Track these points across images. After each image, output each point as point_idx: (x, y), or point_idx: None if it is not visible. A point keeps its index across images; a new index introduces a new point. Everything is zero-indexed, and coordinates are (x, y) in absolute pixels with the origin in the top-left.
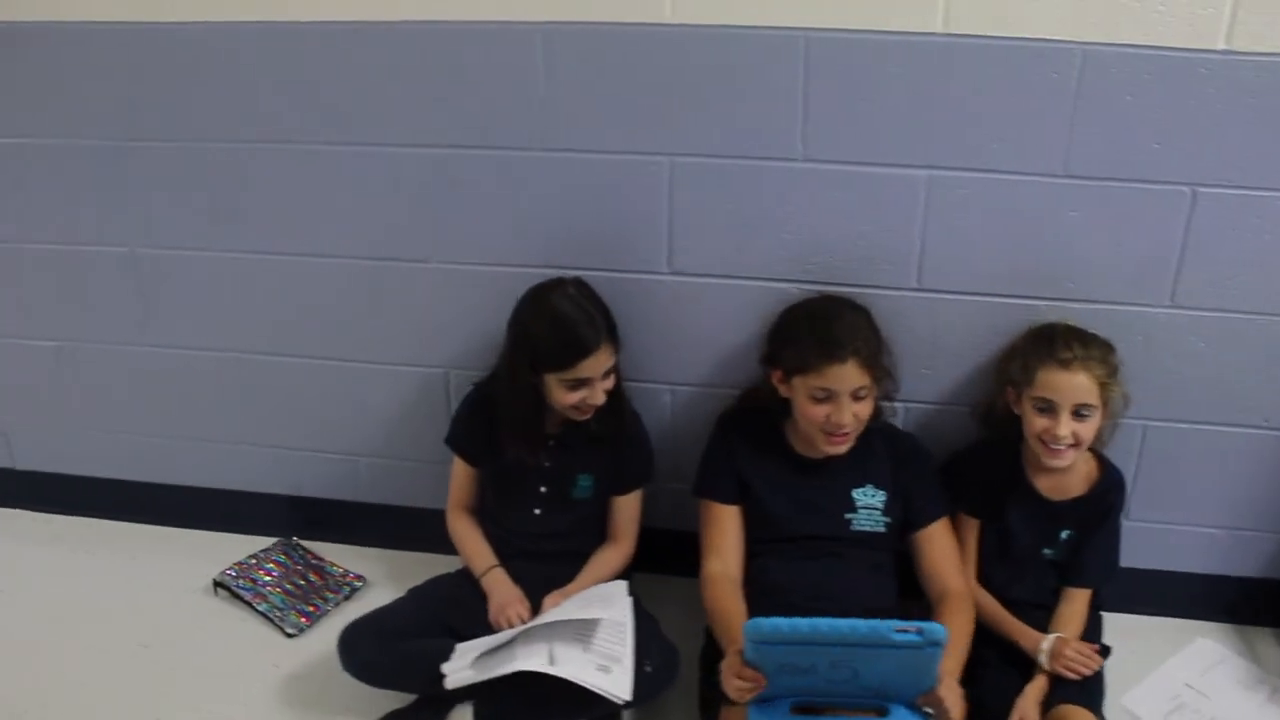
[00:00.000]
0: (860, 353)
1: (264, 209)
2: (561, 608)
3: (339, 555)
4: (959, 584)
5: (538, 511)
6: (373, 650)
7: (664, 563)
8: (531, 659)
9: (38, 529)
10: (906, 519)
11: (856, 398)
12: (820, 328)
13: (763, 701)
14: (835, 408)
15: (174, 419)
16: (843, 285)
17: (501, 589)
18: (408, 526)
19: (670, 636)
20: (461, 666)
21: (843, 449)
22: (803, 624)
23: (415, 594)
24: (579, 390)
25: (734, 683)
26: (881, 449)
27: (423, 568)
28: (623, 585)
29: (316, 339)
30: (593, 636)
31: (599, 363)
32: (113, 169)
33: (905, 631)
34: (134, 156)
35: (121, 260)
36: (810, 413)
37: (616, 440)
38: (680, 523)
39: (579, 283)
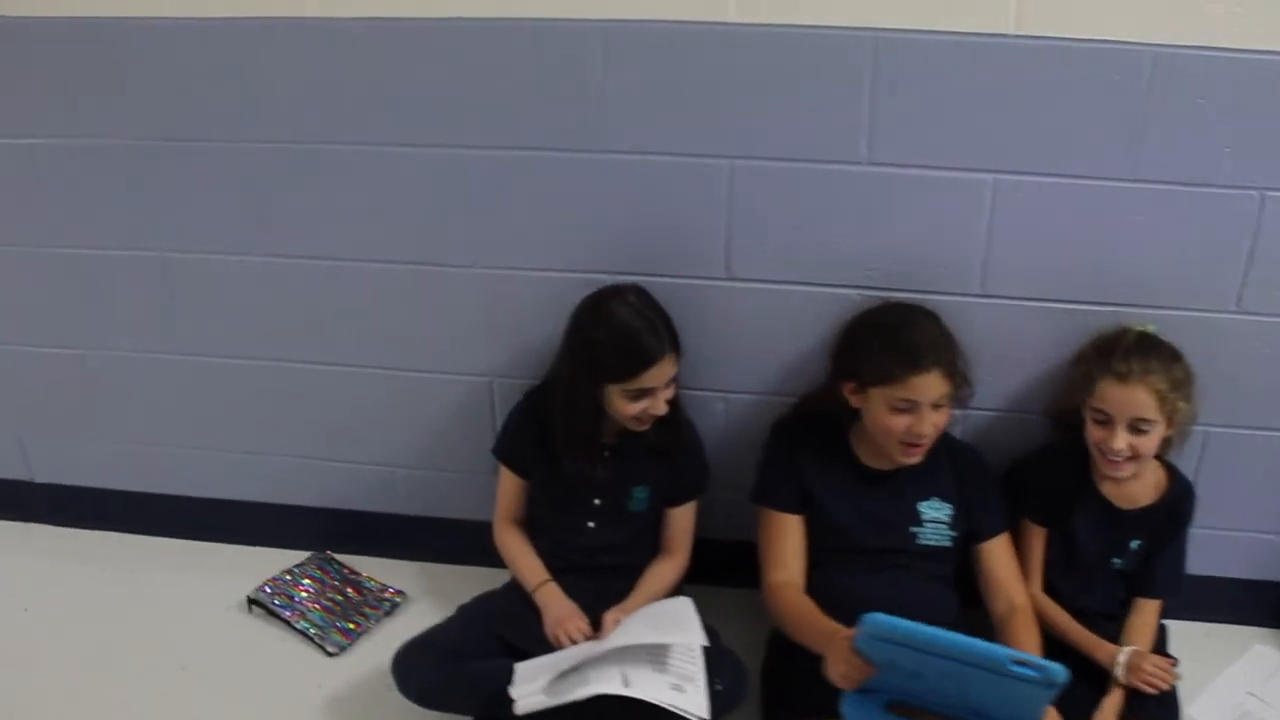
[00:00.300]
0: (942, 362)
1: (301, 212)
2: (633, 630)
3: (375, 569)
4: (1023, 598)
5: (591, 524)
6: (430, 673)
7: (716, 573)
8: (606, 682)
9: (59, 544)
10: (969, 531)
11: (935, 407)
12: (901, 337)
13: (860, 692)
14: (916, 418)
15: (202, 429)
16: (903, 291)
17: (556, 604)
18: (447, 539)
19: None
20: (532, 691)
21: (918, 460)
22: (923, 630)
23: (466, 612)
24: (641, 400)
25: (841, 668)
26: (945, 460)
27: (462, 581)
28: (689, 604)
29: (353, 346)
30: (665, 656)
31: (662, 372)
32: (142, 171)
33: (1024, 665)
34: (165, 158)
35: (150, 265)
36: (890, 423)
37: (672, 450)
38: (732, 533)
39: (638, 290)
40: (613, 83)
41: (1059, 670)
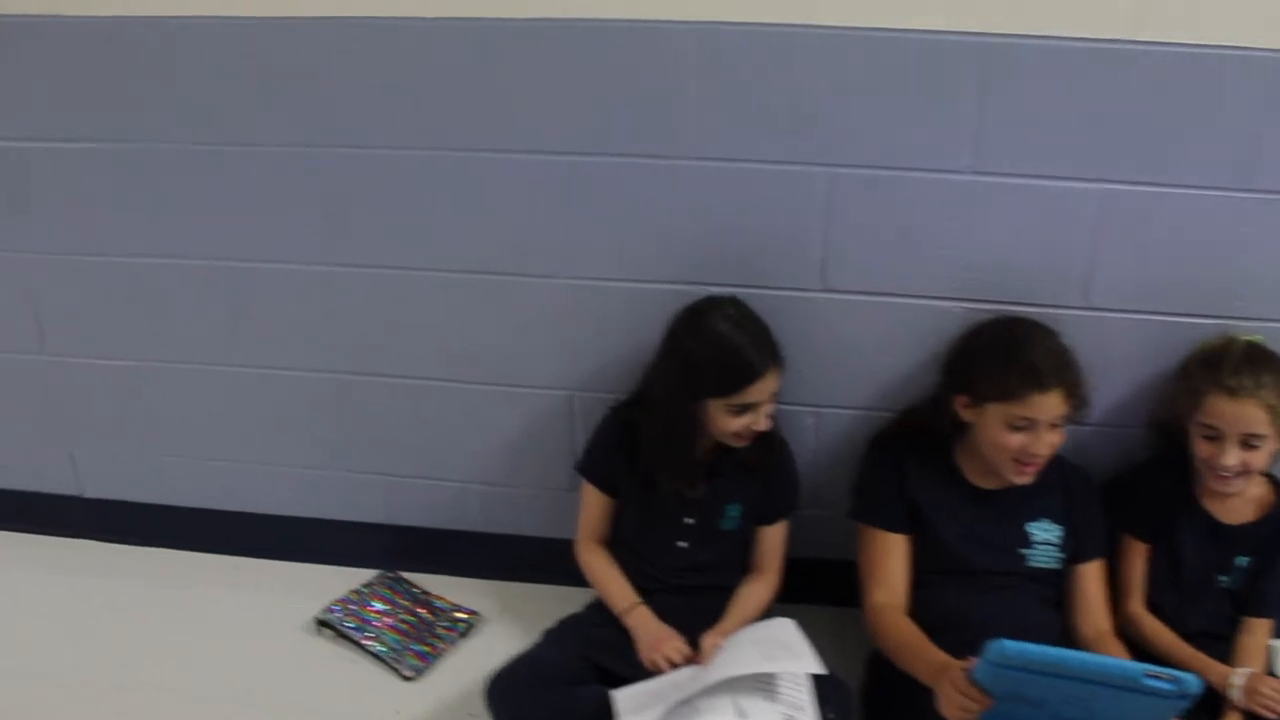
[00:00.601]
0: (1064, 382)
1: (372, 219)
2: (740, 657)
3: (445, 588)
4: (1109, 624)
5: (682, 544)
6: (527, 702)
7: (802, 593)
8: (719, 714)
9: (111, 561)
10: (1073, 552)
11: (1052, 427)
12: (1024, 354)
13: None
14: (1032, 437)
15: (262, 443)
16: (1004, 303)
17: (650, 627)
18: (520, 557)
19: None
20: None
21: (1029, 479)
22: (1051, 652)
23: (554, 637)
24: (743, 416)
25: (957, 700)
26: (1055, 480)
27: (537, 601)
28: (794, 627)
29: (425, 359)
30: (775, 684)
31: (766, 387)
32: (203, 176)
33: (1157, 678)
34: (227, 163)
35: (210, 274)
36: (1004, 441)
37: (766, 467)
38: (819, 550)
39: (736, 302)
40: (707, 87)
41: (1193, 680)
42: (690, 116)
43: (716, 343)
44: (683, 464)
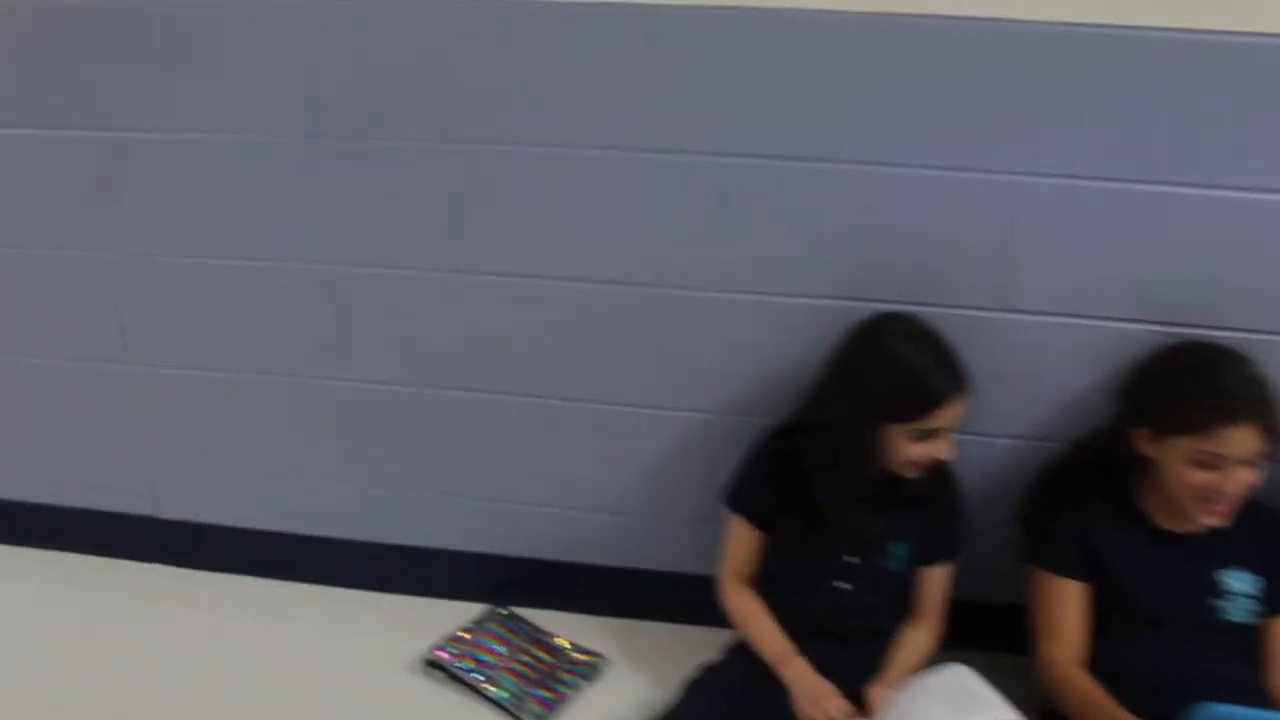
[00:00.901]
0: (1259, 415)
1: (498, 222)
2: (923, 710)
3: (562, 626)
4: None
5: (843, 585)
6: None
7: (963, 638)
8: None
9: (191, 590)
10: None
11: (1245, 464)
12: (1214, 383)
13: None
14: (1220, 475)
15: (362, 464)
16: (1198, 327)
17: (807, 680)
18: (646, 594)
19: None
20: None
21: (1222, 522)
22: (1263, 716)
23: (700, 689)
24: (925, 443)
25: None
26: (1247, 523)
27: (665, 642)
28: (974, 675)
29: (547, 374)
30: None
31: (953, 412)
32: (308, 172)
33: None
34: (336, 158)
35: (313, 279)
36: (1189, 478)
37: (937, 501)
38: (981, 593)
39: (915, 319)
40: (880, 87)
41: None
42: (860, 118)
43: (899, 363)
44: (859, 496)
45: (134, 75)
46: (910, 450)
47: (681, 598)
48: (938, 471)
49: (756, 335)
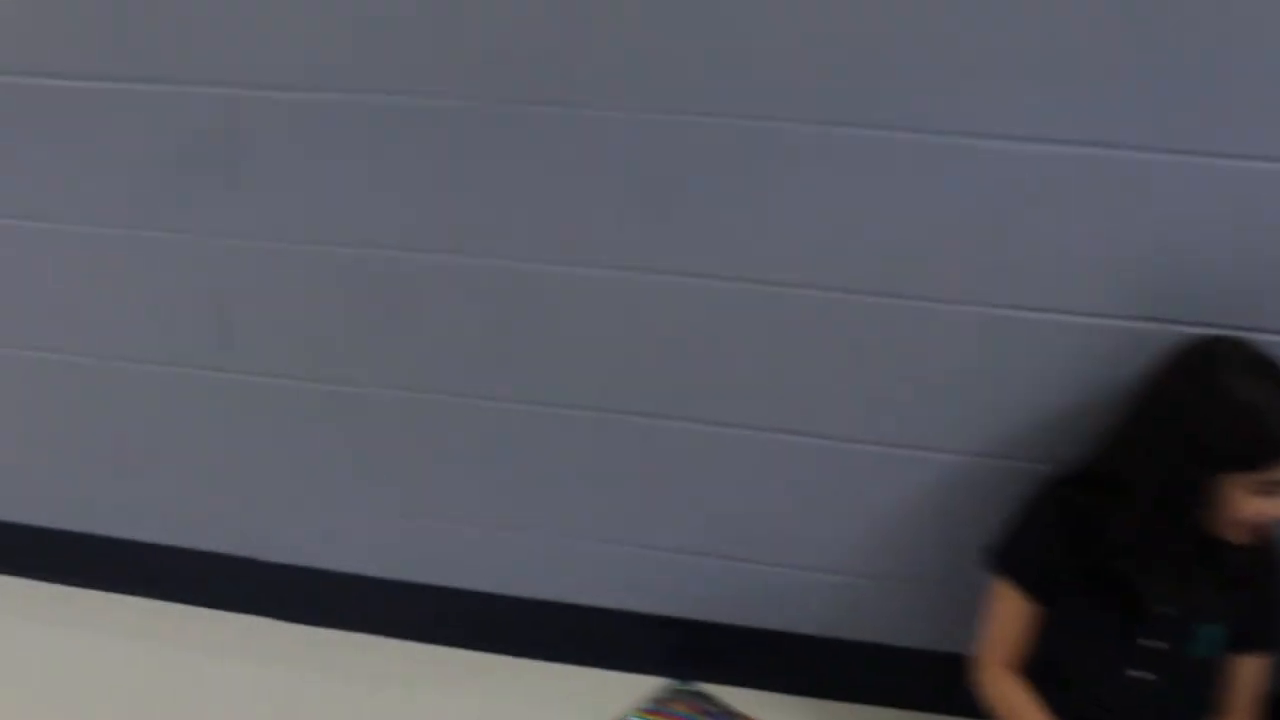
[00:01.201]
0: None
1: (707, 213)
2: None
3: (755, 706)
4: None
5: (1140, 674)
6: None
7: None
8: None
9: (296, 647)
10: None
11: None
12: None
13: None
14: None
15: (515, 502)
16: None
17: None
18: (868, 672)
19: None
20: None
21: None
22: None
23: None
24: (1263, 498)
25: None
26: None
27: None
28: None
29: (760, 401)
30: None
31: None
32: (476, 144)
33: None
34: (515, 127)
35: (473, 276)
36: (1247, 509)
37: (1258, 575)
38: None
39: (1250, 345)
40: (1192, 64)
41: None
42: (1170, 95)
43: (1238, 399)
44: (1180, 564)
45: (251, 25)
46: (1247, 506)
47: (915, 680)
48: (1266, 537)
49: (1031, 361)
